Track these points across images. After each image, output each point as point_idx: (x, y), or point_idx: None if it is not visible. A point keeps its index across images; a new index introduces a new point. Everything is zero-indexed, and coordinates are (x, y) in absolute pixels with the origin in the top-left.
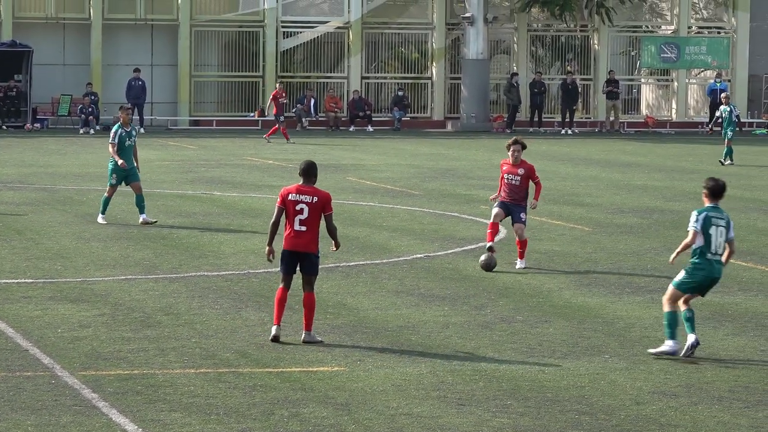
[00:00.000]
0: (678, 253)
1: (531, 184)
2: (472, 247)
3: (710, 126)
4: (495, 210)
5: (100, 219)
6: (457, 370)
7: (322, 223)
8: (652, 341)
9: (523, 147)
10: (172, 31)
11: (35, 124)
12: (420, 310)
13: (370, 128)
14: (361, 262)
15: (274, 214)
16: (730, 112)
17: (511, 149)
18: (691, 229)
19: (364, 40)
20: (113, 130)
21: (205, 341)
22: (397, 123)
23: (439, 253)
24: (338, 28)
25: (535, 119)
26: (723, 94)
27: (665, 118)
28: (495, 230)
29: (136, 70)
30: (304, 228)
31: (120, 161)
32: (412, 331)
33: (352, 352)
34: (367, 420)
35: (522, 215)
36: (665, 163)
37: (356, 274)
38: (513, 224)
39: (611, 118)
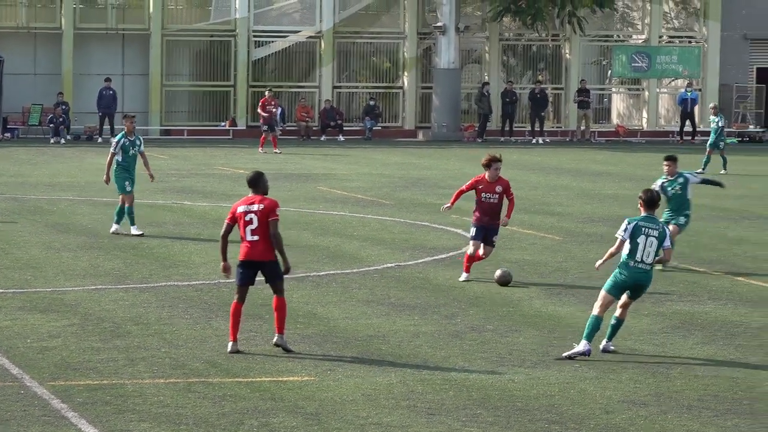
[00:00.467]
0: (604, 261)
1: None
2: (443, 256)
3: (718, 143)
4: (474, 243)
5: (133, 230)
6: (427, 380)
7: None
8: (621, 350)
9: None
10: (143, 40)
11: (6, 134)
12: (390, 320)
13: (341, 138)
14: (331, 272)
15: (223, 229)
16: (718, 122)
17: (493, 167)
18: (618, 237)
19: (336, 50)
20: (115, 140)
21: (174, 351)
22: (369, 132)
23: (410, 263)
24: (310, 37)
25: (506, 128)
26: (711, 105)
27: (636, 128)
28: (472, 261)
29: (107, 80)
30: (256, 237)
31: (104, 177)
32: (382, 341)
33: (322, 362)
34: (336, 430)
35: (495, 238)
36: (636, 172)
37: (326, 284)
38: (484, 245)
39: (582, 128)
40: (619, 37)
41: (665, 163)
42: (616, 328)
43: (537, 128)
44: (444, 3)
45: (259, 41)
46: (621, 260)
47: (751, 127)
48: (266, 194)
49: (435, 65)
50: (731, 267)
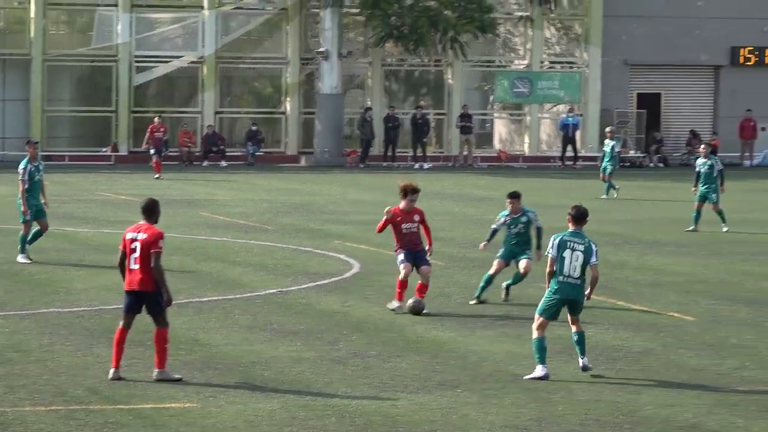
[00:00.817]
0: (548, 281)
1: None
2: (326, 281)
3: (608, 166)
4: (404, 268)
5: (20, 258)
6: (310, 406)
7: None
8: (504, 375)
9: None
10: (24, 65)
11: None
12: (273, 346)
13: (223, 163)
14: (213, 298)
15: (118, 256)
16: (613, 147)
17: (410, 197)
18: (548, 255)
19: (219, 75)
20: (22, 166)
21: (56, 378)
22: (251, 158)
23: (293, 288)
24: (192, 62)
25: (389, 154)
26: (608, 129)
27: (518, 153)
28: (405, 288)
29: None
30: (138, 266)
31: (23, 208)
32: (265, 367)
33: (205, 388)
34: None
35: (427, 257)
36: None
37: (209, 310)
38: (419, 268)
39: (464, 153)
40: (501, 62)
41: (509, 200)
42: (581, 343)
43: (419, 153)
44: (327, 28)
45: (141, 66)
46: (552, 279)
47: (632, 152)
48: (156, 222)
49: (318, 90)
50: (612, 291)
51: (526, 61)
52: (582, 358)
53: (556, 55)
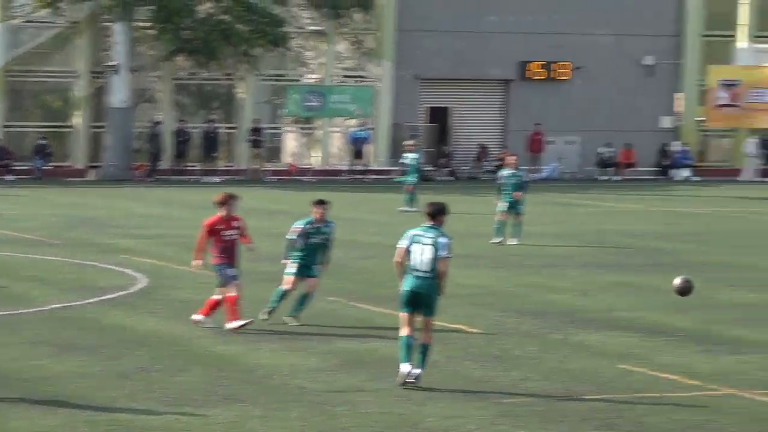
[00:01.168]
0: (397, 272)
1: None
2: (111, 296)
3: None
4: (235, 285)
5: None
6: (94, 421)
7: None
8: (290, 389)
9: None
10: None
11: None
12: (57, 361)
13: (10, 177)
14: None
15: None
16: (417, 159)
17: (229, 203)
18: (398, 246)
19: (7, 88)
20: None
21: None
22: (38, 172)
23: (78, 303)
24: None
25: (178, 168)
26: (411, 142)
27: (307, 166)
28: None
29: None
30: None
31: None
32: (48, 382)
33: None
34: None
35: (238, 274)
36: (307, 209)
37: None
38: (226, 284)
39: (254, 166)
40: (292, 76)
41: (317, 207)
42: (423, 354)
43: (209, 167)
44: (117, 42)
45: None
46: None
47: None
48: None
49: (107, 104)
50: (398, 304)
51: (318, 75)
52: (416, 368)
53: (348, 69)
